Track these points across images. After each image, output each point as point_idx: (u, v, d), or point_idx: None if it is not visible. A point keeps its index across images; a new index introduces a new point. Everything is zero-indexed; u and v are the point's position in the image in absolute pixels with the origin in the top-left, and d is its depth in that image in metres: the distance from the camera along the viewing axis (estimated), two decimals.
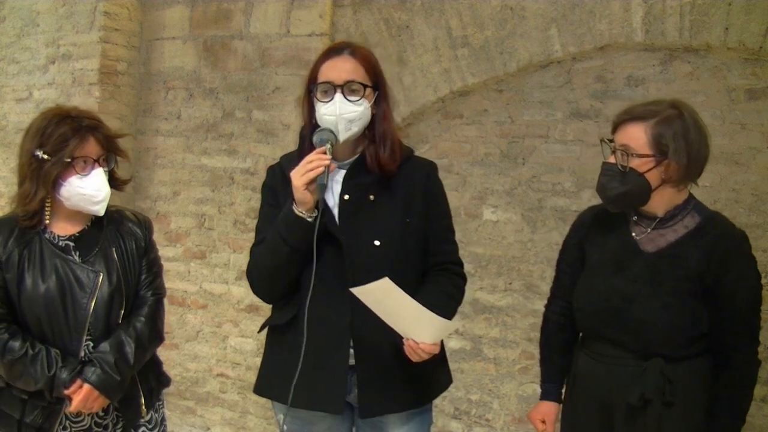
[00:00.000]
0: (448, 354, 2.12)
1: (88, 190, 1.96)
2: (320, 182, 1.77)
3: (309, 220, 1.80)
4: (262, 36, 3.63)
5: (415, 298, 1.77)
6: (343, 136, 1.85)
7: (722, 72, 2.91)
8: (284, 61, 3.57)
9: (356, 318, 1.84)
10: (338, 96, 1.83)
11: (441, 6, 3.28)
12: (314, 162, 1.78)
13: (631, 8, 2.91)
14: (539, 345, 2.21)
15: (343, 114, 1.83)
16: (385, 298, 1.76)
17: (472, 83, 3.26)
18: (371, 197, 1.88)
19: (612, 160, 1.92)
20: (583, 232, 2.09)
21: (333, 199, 1.90)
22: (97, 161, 1.98)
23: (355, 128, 1.86)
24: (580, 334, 2.14)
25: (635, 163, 1.87)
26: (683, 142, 1.87)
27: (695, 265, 1.89)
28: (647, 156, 1.87)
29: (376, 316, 1.80)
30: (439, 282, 1.94)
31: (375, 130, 1.90)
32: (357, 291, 1.75)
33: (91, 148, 1.97)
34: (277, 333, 1.97)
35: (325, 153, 1.79)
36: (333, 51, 1.90)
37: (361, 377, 1.86)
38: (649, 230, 1.96)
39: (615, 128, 1.96)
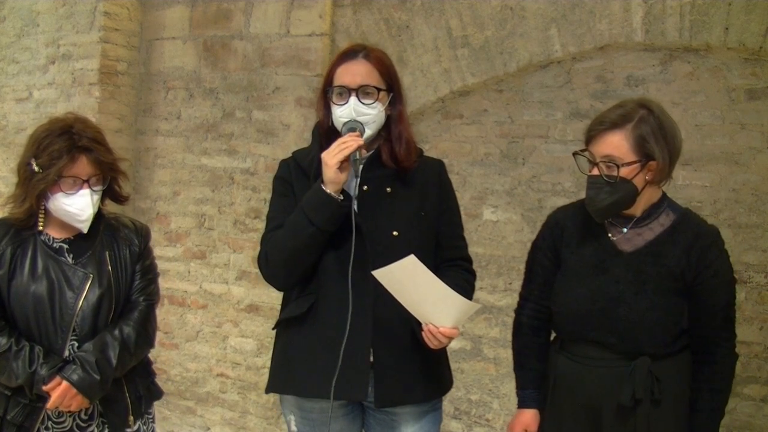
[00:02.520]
0: (448, 354, 2.13)
1: (73, 208, 1.98)
2: (354, 158, 1.81)
3: (340, 199, 1.82)
4: (262, 36, 3.63)
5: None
6: None
7: (722, 72, 2.91)
8: (284, 61, 3.57)
9: (377, 306, 1.86)
10: (353, 99, 1.87)
11: (441, 6, 3.28)
12: (348, 141, 1.82)
13: (631, 8, 2.91)
14: (513, 351, 2.15)
15: (357, 117, 1.87)
16: (408, 279, 1.76)
17: (472, 83, 3.26)
18: (388, 189, 1.92)
19: (596, 172, 1.90)
20: (556, 233, 2.07)
21: (352, 191, 1.91)
22: (86, 181, 1.99)
23: (369, 131, 1.90)
24: (554, 337, 2.12)
25: (623, 172, 1.86)
26: (663, 139, 1.87)
27: (675, 263, 1.90)
28: (634, 162, 1.86)
29: (396, 306, 1.81)
30: (450, 276, 1.93)
31: (391, 130, 1.95)
32: (379, 273, 1.76)
33: (82, 168, 1.97)
34: (293, 326, 1.95)
35: (358, 136, 1.84)
36: (348, 54, 1.93)
37: (378, 366, 1.87)
38: (625, 230, 1.96)
39: (589, 140, 1.93)
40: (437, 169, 2.04)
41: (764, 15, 2.70)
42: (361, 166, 1.84)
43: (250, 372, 3.72)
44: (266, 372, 3.70)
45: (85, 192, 1.98)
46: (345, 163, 1.81)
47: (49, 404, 1.94)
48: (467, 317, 1.85)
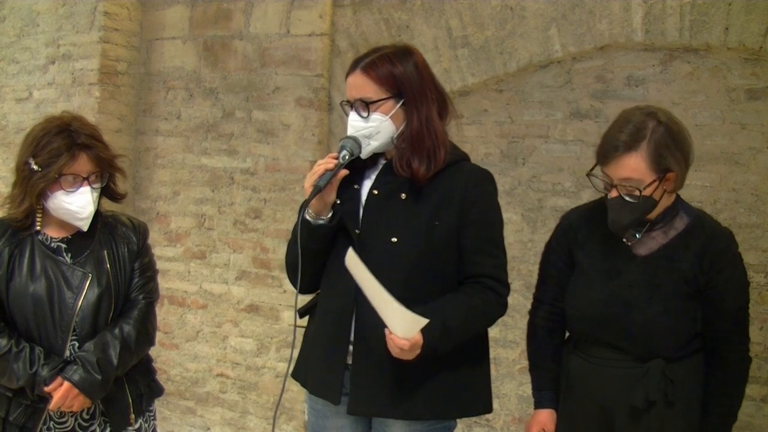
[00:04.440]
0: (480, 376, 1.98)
1: (73, 206, 1.98)
2: (316, 184, 1.80)
3: (311, 221, 1.85)
4: (262, 36, 3.63)
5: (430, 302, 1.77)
6: (364, 152, 1.87)
7: (722, 72, 2.91)
8: (284, 61, 3.57)
9: (359, 312, 1.84)
10: (352, 114, 1.87)
11: (441, 6, 3.28)
12: (320, 166, 1.82)
13: (631, 8, 2.91)
14: (528, 352, 2.15)
15: (357, 132, 1.86)
16: (361, 278, 1.70)
17: (472, 83, 3.26)
18: (402, 196, 1.87)
19: (614, 194, 1.87)
20: (570, 236, 2.05)
21: (365, 193, 1.91)
22: (86, 179, 1.99)
23: (374, 142, 1.86)
24: (567, 336, 2.11)
25: (645, 191, 1.83)
26: (677, 149, 1.84)
27: (689, 267, 1.89)
28: (654, 182, 1.83)
29: (378, 318, 1.78)
30: (464, 292, 1.86)
31: (403, 137, 1.87)
32: (347, 262, 1.72)
33: (82, 166, 1.98)
34: (309, 318, 2.06)
35: (336, 158, 1.83)
36: (351, 66, 1.91)
37: (355, 371, 1.85)
38: (638, 235, 1.94)
39: (603, 162, 1.88)
40: (468, 179, 1.88)
41: (764, 15, 2.70)
42: (317, 193, 1.81)
43: (250, 372, 3.72)
44: (266, 372, 3.72)
45: (86, 189, 1.98)
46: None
47: (52, 405, 1.94)
48: (416, 331, 1.70)
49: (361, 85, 1.85)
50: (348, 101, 1.89)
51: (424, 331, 1.72)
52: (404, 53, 1.89)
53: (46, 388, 1.93)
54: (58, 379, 1.94)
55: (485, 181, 1.92)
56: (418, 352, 1.74)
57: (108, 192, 2.10)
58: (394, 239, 1.83)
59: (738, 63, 2.86)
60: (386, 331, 1.74)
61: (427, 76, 1.90)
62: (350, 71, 1.89)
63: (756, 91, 2.88)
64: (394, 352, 1.74)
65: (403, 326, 1.70)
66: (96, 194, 2.02)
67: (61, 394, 1.93)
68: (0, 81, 4.21)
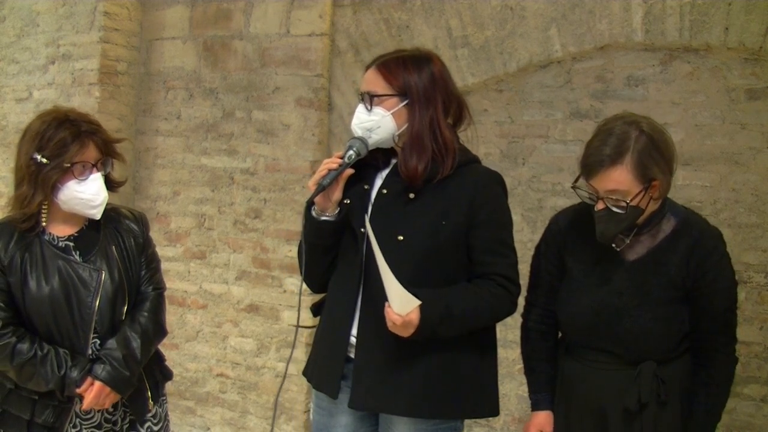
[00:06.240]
0: (487, 377, 1.98)
1: (86, 194, 1.98)
2: (320, 183, 1.87)
3: (315, 216, 1.91)
4: (262, 36, 3.63)
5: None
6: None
7: (722, 72, 2.91)
8: (284, 61, 3.57)
9: (363, 307, 1.88)
10: (359, 106, 1.92)
11: (441, 6, 3.28)
12: (325, 165, 1.89)
13: (631, 8, 2.91)
14: (522, 356, 2.16)
15: (359, 123, 1.91)
16: (374, 248, 1.74)
17: (472, 83, 3.26)
18: (411, 195, 1.89)
19: (600, 206, 1.86)
20: (559, 240, 2.05)
21: (374, 194, 1.95)
22: (95, 166, 2.00)
23: (376, 136, 1.90)
24: (560, 337, 2.12)
25: (632, 202, 1.83)
26: (660, 157, 1.83)
27: (676, 271, 1.89)
28: (639, 192, 1.82)
29: (382, 313, 1.81)
30: (474, 283, 1.89)
31: (405, 137, 1.91)
32: (367, 230, 1.77)
33: (90, 153, 1.99)
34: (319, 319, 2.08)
35: (341, 157, 1.88)
36: (370, 63, 1.97)
37: (357, 364, 1.87)
38: (627, 240, 1.93)
39: (588, 175, 1.87)
40: (477, 180, 1.91)
41: (764, 15, 2.70)
42: (321, 191, 1.87)
43: (250, 372, 3.72)
44: (266, 372, 3.72)
45: (96, 176, 2.00)
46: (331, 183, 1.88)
47: (84, 405, 1.96)
48: (408, 310, 1.74)
49: (371, 80, 1.92)
50: (361, 94, 1.95)
51: (424, 311, 1.75)
52: (421, 59, 1.95)
53: (78, 390, 1.95)
54: (89, 380, 1.96)
55: (494, 182, 1.95)
56: (412, 331, 1.77)
57: (106, 181, 2.09)
58: (400, 237, 1.86)
59: (738, 63, 2.86)
60: (386, 304, 1.77)
61: (442, 84, 1.94)
62: (368, 67, 1.96)
63: (756, 91, 2.88)
64: (389, 325, 1.78)
65: (399, 303, 1.75)
66: (103, 181, 2.03)
67: (94, 393, 1.96)
68: (0, 81, 4.22)
